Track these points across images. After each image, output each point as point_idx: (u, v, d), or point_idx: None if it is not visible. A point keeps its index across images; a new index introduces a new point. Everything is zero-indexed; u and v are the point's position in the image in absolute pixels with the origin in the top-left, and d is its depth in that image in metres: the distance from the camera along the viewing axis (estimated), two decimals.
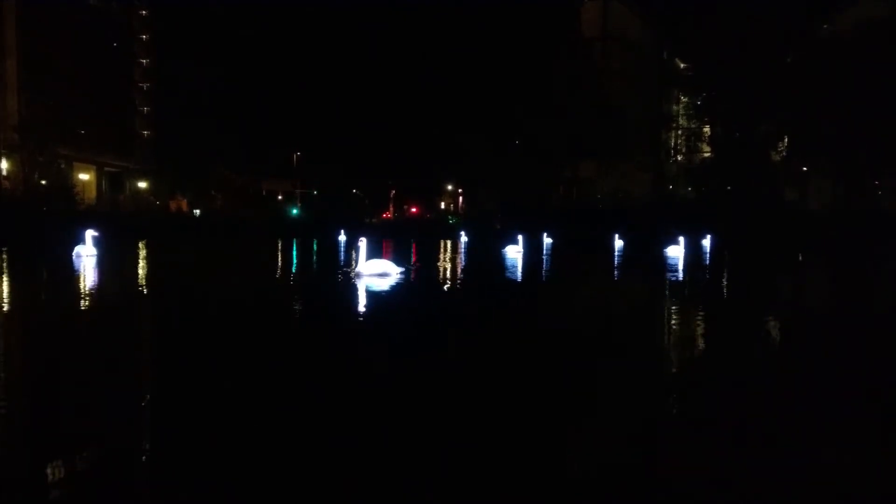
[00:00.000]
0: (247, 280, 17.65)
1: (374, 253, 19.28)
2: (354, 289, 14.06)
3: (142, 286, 15.74)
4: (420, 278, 17.58)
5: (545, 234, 32.41)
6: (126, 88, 71.43)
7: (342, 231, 36.66)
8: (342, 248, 29.68)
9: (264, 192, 78.08)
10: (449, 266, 22.92)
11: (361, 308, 11.91)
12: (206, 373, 6.97)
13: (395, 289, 14.10)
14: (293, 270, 20.02)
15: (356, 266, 16.10)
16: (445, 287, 16.34)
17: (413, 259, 26.10)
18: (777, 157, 53.55)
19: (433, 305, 12.82)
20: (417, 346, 8.55)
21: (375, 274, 15.71)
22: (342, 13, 68.66)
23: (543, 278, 18.79)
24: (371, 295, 13.20)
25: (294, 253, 29.08)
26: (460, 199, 79.81)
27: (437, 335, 9.50)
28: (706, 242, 31.10)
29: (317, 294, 14.64)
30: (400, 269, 16.37)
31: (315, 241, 36.88)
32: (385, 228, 57.42)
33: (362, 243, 16.19)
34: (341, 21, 69.02)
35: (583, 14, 63.17)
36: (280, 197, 78.97)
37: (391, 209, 76.82)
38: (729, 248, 32.62)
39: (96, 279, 16.75)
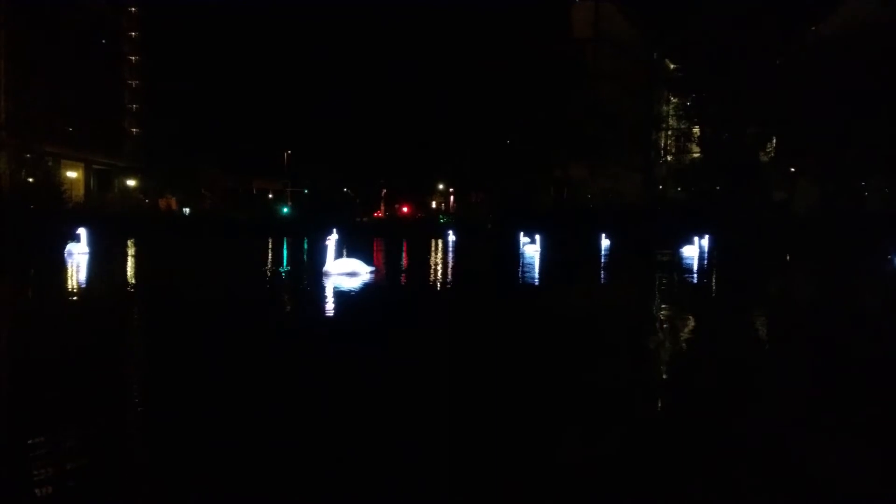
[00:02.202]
0: (223, 279, 17.55)
1: (362, 251, 19.38)
2: (318, 288, 14.04)
3: (122, 286, 15.61)
4: (389, 277, 17.45)
5: (539, 234, 32.26)
6: (115, 86, 70.88)
7: (333, 230, 36.49)
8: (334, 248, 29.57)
9: (254, 191, 77.74)
10: (429, 265, 22.93)
11: (312, 306, 12.04)
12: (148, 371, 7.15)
13: (361, 288, 14.04)
14: (268, 269, 19.91)
15: (324, 265, 16.03)
16: (414, 286, 16.33)
17: (405, 258, 26.21)
18: (765, 159, 53.97)
19: (398, 305, 12.74)
20: (374, 345, 8.53)
21: (344, 273, 15.67)
22: (333, 11, 68.48)
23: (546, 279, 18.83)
24: (326, 293, 13.23)
25: (281, 252, 28.96)
26: (451, 198, 79.83)
27: (396, 334, 9.43)
28: (704, 243, 31.03)
29: (278, 293, 14.65)
30: (370, 269, 16.28)
31: (305, 241, 36.73)
32: (376, 227, 57.40)
33: (330, 242, 16.07)
34: (332, 19, 68.92)
35: (573, 15, 63.35)
36: (270, 196, 78.65)
37: (382, 208, 76.72)
38: (729, 248, 32.60)
39: (93, 277, 16.74)
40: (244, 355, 7.84)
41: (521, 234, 32.52)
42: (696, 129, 55.73)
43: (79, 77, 62.07)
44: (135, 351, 8.47)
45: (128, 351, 8.40)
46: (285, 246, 32.25)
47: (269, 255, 26.85)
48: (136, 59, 74.21)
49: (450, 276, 18.97)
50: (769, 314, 12.21)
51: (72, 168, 64.35)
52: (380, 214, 73.76)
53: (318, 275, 15.99)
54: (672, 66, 58.07)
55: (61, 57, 59.83)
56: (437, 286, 16.36)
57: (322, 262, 16.33)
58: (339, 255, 16.49)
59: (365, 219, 65.58)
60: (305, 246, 32.69)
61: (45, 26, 58.53)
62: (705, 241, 28.46)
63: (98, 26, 66.61)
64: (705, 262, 24.95)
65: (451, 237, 39.90)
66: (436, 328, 10.11)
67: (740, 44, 46.42)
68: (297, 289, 15.28)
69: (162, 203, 64.43)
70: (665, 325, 10.68)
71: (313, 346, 8.54)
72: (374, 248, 30.98)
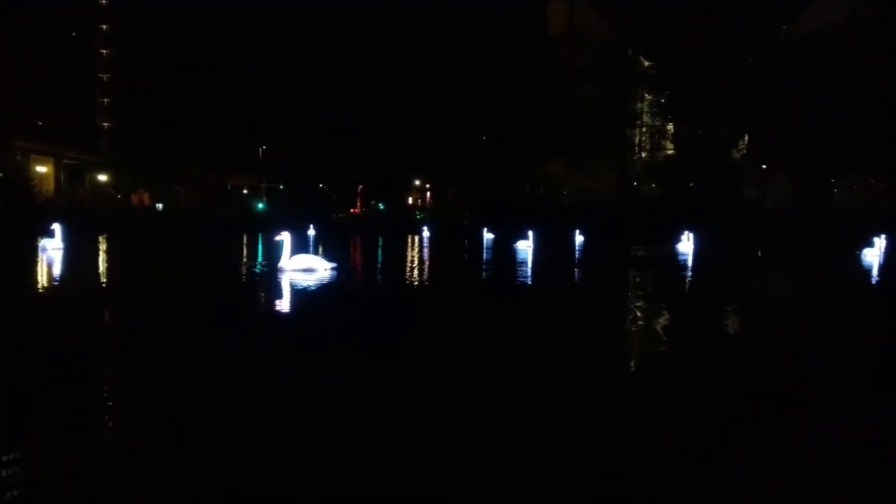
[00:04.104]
0: (186, 277, 17.27)
1: (334, 247, 19.21)
2: (270, 285, 13.91)
3: (91, 283, 15.30)
4: (349, 274, 16.91)
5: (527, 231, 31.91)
6: (86, 79, 69.75)
7: (311, 226, 36.45)
8: (311, 244, 29.44)
9: (229, 187, 76.88)
10: (394, 262, 22.84)
11: (251, 303, 11.96)
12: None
13: (313, 286, 13.63)
14: (243, 266, 19.64)
15: (279, 261, 15.69)
16: (371, 283, 16.17)
17: (370, 254, 26.20)
18: (738, 156, 54.69)
19: (345, 303, 12.29)
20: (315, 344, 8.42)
21: (300, 269, 15.34)
22: (308, 7, 68.01)
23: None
24: (273, 290, 13.10)
25: (254, 249, 28.76)
26: (428, 194, 79.77)
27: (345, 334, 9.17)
28: (685, 239, 30.90)
29: (227, 290, 14.22)
30: (329, 265, 15.86)
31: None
32: (353, 224, 57.21)
33: (286, 238, 15.66)
34: (307, 15, 68.45)
35: (549, 12, 63.58)
36: (245, 192, 77.91)
37: (358, 204, 76.38)
38: (708, 244, 32.50)
39: (65, 274, 16.52)
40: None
41: (485, 230, 33.00)
42: (671, 127, 56.27)
43: (49, 70, 60.97)
44: (99, 349, 8.38)
45: (92, 348, 8.30)
46: (260, 242, 32.04)
47: (244, 251, 26.64)
48: (107, 53, 73.07)
49: (412, 274, 18.51)
50: (740, 309, 12.40)
51: (42, 163, 63.24)
52: (356, 210, 73.49)
53: (273, 271, 15.70)
54: (647, 64, 58.53)
55: (31, 50, 58.71)
56: (395, 283, 16.09)
57: (278, 258, 15.90)
58: (304, 251, 16.20)
59: (341, 215, 65.29)
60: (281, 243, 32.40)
61: (14, 19, 57.38)
62: (685, 238, 28.69)
63: (69, 19, 65.44)
64: (681, 258, 25.24)
65: (426, 233, 39.87)
66: (382, 329, 9.69)
67: (713, 42, 46.95)
68: (250, 285, 14.93)
69: (134, 199, 63.57)
70: (635, 320, 10.82)
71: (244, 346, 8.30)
72: (346, 243, 30.89)
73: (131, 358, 7.59)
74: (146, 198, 64.40)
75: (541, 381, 6.72)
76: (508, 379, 6.76)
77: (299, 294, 12.75)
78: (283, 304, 11.71)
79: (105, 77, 72.91)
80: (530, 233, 27.35)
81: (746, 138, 54.75)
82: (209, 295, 13.26)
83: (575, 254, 26.84)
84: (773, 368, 7.54)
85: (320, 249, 25.82)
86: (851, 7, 48.46)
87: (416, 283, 16.23)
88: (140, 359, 7.45)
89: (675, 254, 26.04)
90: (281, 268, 15.43)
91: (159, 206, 63.71)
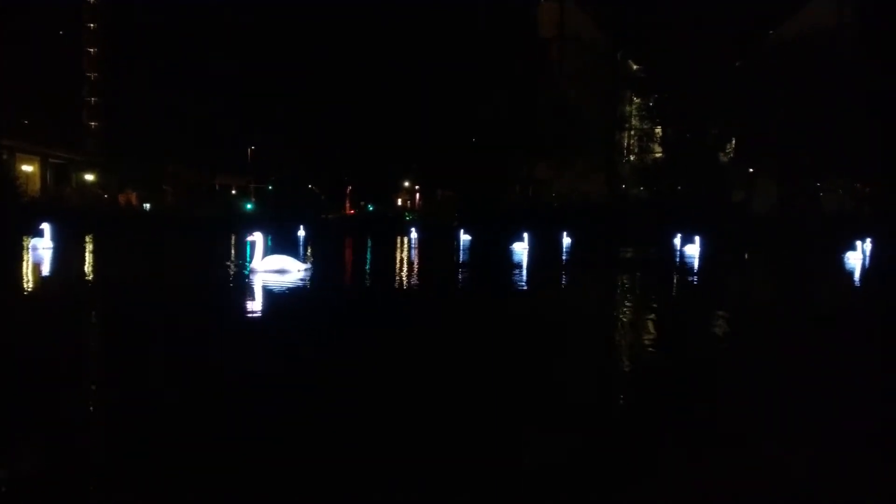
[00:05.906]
0: (155, 277, 17.01)
1: (324, 247, 19.06)
2: (238, 287, 13.80)
3: (77, 285, 14.97)
4: (322, 274, 16.49)
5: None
6: (73, 78, 69.31)
7: (301, 227, 36.31)
8: (300, 244, 29.35)
9: (217, 187, 76.57)
10: (373, 263, 22.76)
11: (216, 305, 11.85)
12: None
13: (282, 288, 13.26)
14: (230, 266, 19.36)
15: (251, 262, 15.43)
16: (342, 284, 15.95)
17: (351, 255, 26.14)
18: (725, 159, 55.08)
19: (305, 305, 12.05)
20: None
21: (272, 271, 15.02)
22: (296, 8, 67.87)
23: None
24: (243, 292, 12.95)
25: (239, 250, 28.58)
26: (417, 195, 79.73)
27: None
28: (677, 241, 30.88)
29: (192, 292, 13.93)
30: (304, 266, 15.58)
31: (269, 238, 36.17)
32: (342, 225, 57.13)
33: (258, 238, 15.40)
34: (295, 16, 68.28)
35: (539, 15, 63.85)
36: (234, 192, 77.61)
37: (347, 205, 76.25)
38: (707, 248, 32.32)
39: (54, 273, 16.44)
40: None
41: (462, 231, 33.02)
42: (659, 130, 56.61)
43: (35, 69, 60.56)
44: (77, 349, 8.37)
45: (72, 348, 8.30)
46: (248, 244, 31.85)
47: (227, 251, 26.48)
48: (95, 52, 72.61)
49: (391, 277, 18.00)
50: (724, 310, 12.52)
51: (27, 162, 62.77)
52: (351, 212, 73.47)
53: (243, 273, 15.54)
54: (636, 67, 58.84)
55: (16, 48, 58.30)
56: (368, 287, 15.89)
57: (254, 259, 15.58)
58: (292, 251, 16.00)
59: (331, 216, 65.15)
60: (269, 243, 32.34)
61: (0, 17, 56.95)
62: (674, 240, 28.84)
63: (56, 17, 65.02)
64: (670, 260, 25.38)
65: (414, 235, 39.87)
66: (335, 337, 9.20)
67: (701, 45, 47.27)
68: (217, 287, 14.69)
69: (122, 198, 63.23)
70: (623, 321, 10.90)
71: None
72: (332, 244, 30.80)
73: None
74: (133, 197, 64.07)
75: (524, 384, 6.76)
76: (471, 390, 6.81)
77: (263, 297, 12.45)
78: (240, 308, 11.33)
79: (92, 76, 72.46)
80: (525, 235, 27.33)
81: (734, 142, 55.17)
82: (170, 297, 12.93)
83: (563, 256, 26.91)
84: (750, 368, 7.63)
85: (309, 250, 25.81)
86: (837, 11, 48.96)
87: (391, 287, 15.60)
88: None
89: (663, 256, 26.23)
90: (253, 269, 15.15)
91: (147, 205, 63.38)
